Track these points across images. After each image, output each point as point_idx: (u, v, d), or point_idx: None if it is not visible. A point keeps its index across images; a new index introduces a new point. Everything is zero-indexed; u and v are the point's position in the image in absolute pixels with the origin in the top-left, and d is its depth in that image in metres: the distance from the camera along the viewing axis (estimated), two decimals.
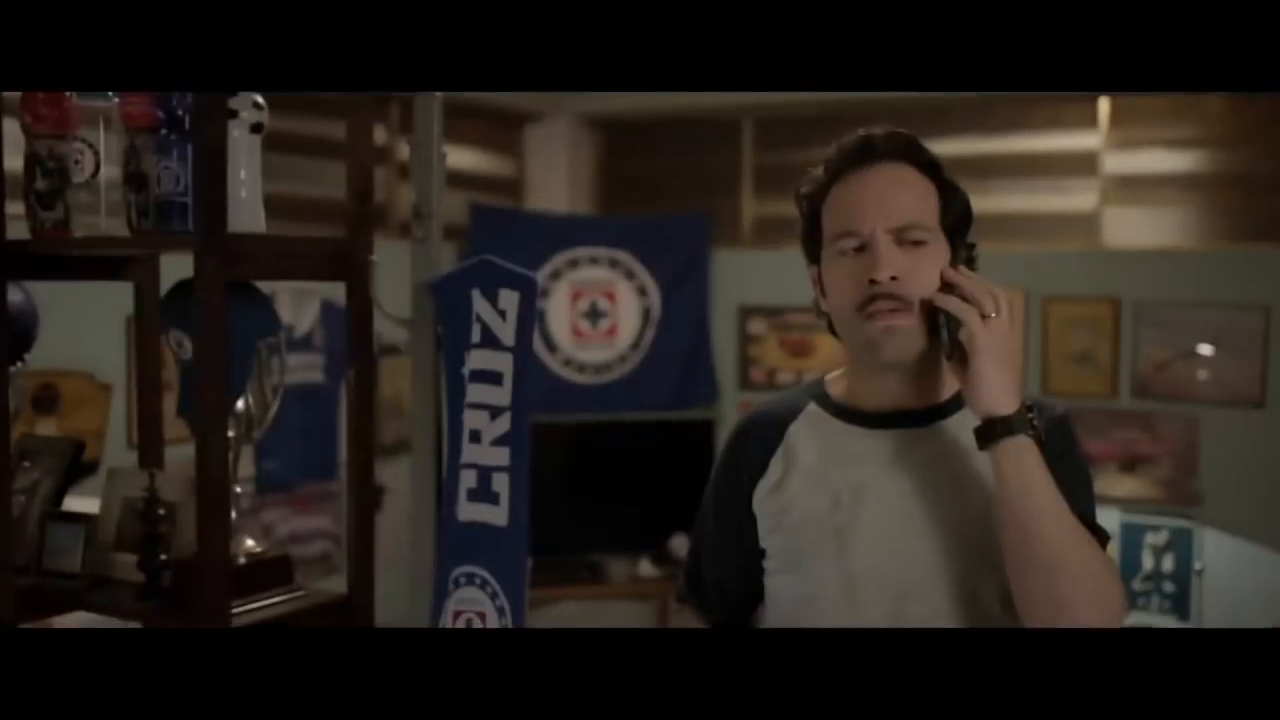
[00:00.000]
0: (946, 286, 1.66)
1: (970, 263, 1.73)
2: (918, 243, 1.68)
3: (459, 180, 5.79)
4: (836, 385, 1.84)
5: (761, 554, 1.81)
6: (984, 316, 1.61)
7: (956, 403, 1.73)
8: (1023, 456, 1.57)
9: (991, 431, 1.59)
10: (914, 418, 1.75)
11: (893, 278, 1.65)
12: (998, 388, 1.59)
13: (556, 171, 6.41)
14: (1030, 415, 1.59)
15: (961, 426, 1.71)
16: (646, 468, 5.73)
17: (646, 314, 5.99)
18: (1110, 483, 5.16)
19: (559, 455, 5.61)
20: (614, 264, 5.96)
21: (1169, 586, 5.00)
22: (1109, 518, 4.89)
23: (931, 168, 1.73)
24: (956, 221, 1.73)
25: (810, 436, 1.80)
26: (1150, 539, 5.04)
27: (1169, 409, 5.17)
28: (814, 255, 1.79)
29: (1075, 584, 1.55)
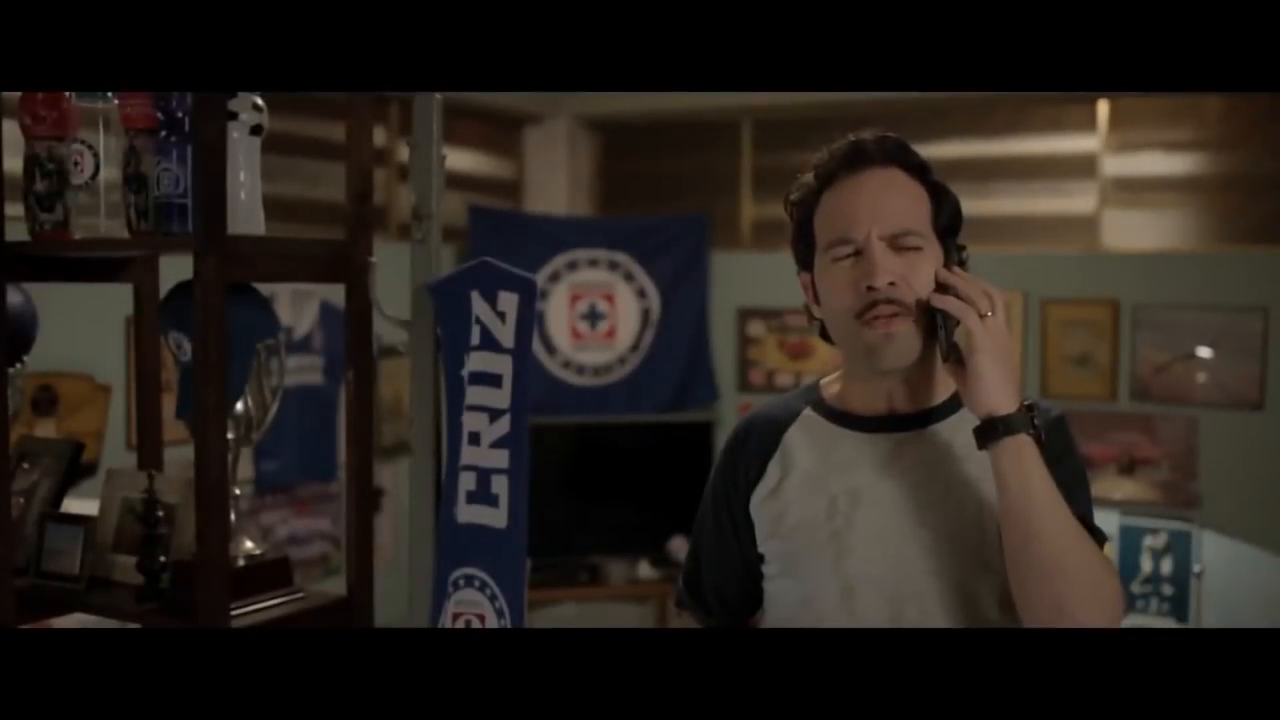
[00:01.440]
0: (941, 288, 1.66)
1: (962, 264, 1.72)
2: (912, 247, 1.67)
3: (458, 182, 5.80)
4: (832, 389, 1.83)
5: (760, 559, 1.81)
6: (981, 316, 1.60)
7: (950, 406, 1.73)
8: (1023, 456, 1.57)
9: (992, 431, 1.58)
10: (909, 421, 1.75)
11: (890, 283, 1.65)
12: (997, 387, 1.59)
13: (555, 173, 6.41)
14: (1031, 414, 1.59)
15: (956, 429, 1.71)
16: (646, 469, 5.74)
17: (645, 316, 5.99)
18: (1109, 485, 5.17)
19: (558, 457, 5.62)
20: (613, 266, 5.96)
21: (1168, 589, 5.00)
22: (1108, 520, 4.91)
23: (921, 171, 1.73)
24: (948, 224, 1.73)
25: (806, 441, 1.80)
26: (1149, 541, 5.04)
27: (1168, 411, 5.17)
28: (805, 261, 1.78)
29: (1074, 584, 1.55)
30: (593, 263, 5.96)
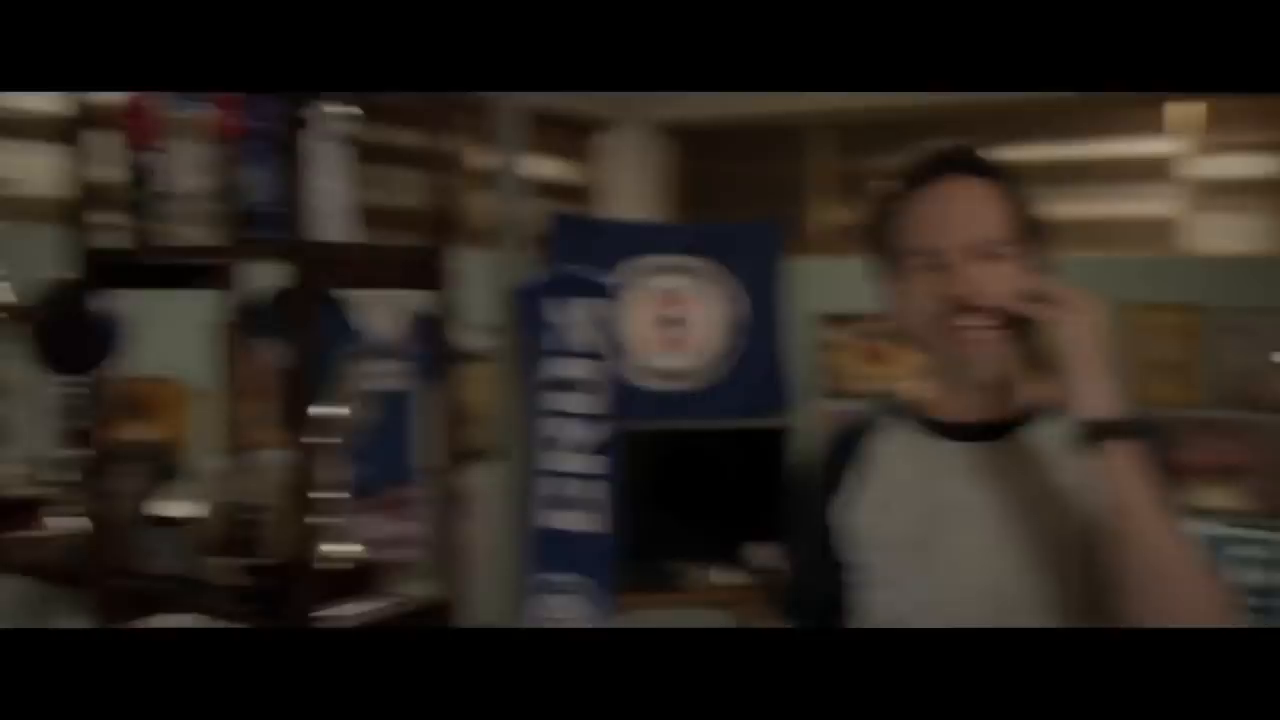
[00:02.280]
0: (1030, 295, 1.64)
1: (1048, 270, 1.71)
2: (996, 256, 1.67)
3: (537, 189, 5.82)
4: (916, 397, 1.82)
5: (848, 568, 1.80)
6: (1073, 321, 1.59)
7: (1039, 412, 1.72)
8: (1125, 462, 1.55)
9: (1093, 436, 1.56)
10: (995, 429, 1.73)
11: (975, 295, 1.64)
12: (1099, 391, 1.57)
13: (630, 178, 6.42)
14: (1129, 419, 1.57)
15: (1041, 436, 1.70)
16: (725, 475, 5.73)
17: (724, 321, 5.99)
18: (1200, 493, 5.09)
19: (637, 463, 5.61)
20: (693, 271, 5.97)
21: (1262, 600, 4.91)
22: (1200, 529, 4.82)
23: (1002, 178, 1.72)
24: (1031, 230, 1.71)
25: (893, 450, 1.79)
26: (1241, 551, 4.96)
27: (1256, 418, 5.09)
28: (886, 269, 1.78)
29: (1182, 590, 1.53)
30: (672, 268, 5.96)
